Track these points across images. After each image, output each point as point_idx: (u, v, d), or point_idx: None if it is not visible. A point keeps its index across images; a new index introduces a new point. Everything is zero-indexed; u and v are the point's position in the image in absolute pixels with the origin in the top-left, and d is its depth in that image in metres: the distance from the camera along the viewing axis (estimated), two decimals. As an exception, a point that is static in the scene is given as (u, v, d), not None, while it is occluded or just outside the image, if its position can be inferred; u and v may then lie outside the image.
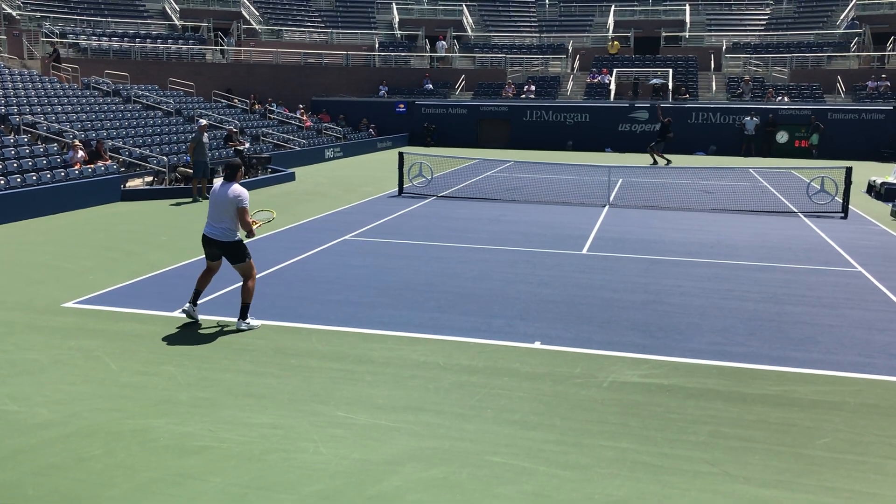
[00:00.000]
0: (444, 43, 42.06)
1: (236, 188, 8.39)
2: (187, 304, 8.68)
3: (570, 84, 40.05)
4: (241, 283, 8.59)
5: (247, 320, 8.52)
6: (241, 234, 8.49)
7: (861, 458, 5.70)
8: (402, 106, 38.67)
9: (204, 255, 8.74)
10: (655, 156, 29.59)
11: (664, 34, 42.94)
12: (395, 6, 46.91)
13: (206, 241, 8.53)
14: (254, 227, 8.48)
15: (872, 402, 6.74)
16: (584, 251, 13.07)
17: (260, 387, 6.88)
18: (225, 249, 8.44)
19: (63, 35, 35.46)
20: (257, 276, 9.05)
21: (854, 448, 5.85)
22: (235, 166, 8.57)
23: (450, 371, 7.33)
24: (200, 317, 8.77)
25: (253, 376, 7.13)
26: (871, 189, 21.74)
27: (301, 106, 36.79)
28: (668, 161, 29.18)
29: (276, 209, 17.24)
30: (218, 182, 8.65)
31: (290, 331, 8.48)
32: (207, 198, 18.66)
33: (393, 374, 7.23)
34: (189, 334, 8.31)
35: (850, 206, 17.79)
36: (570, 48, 42.61)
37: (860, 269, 12.05)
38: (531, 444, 5.84)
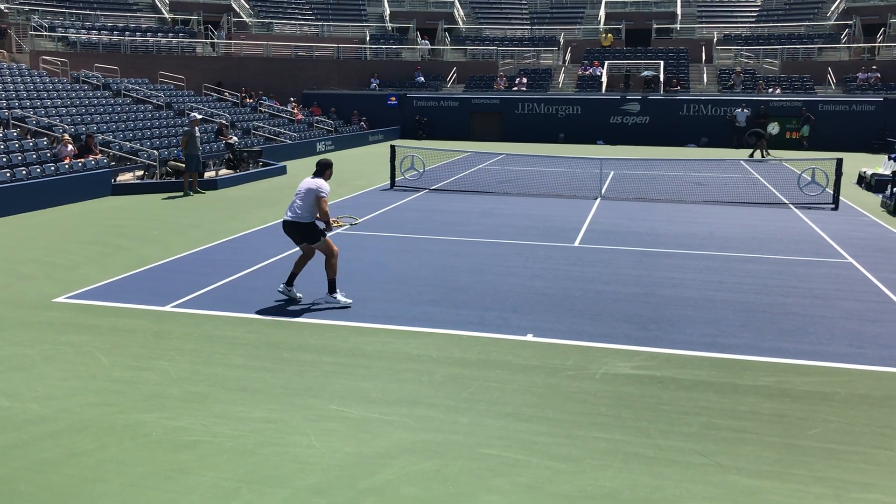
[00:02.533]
0: (426, 42, 41.74)
1: (320, 181, 9.00)
2: (282, 286, 9.22)
3: (562, 76, 40.04)
4: (325, 261, 9.07)
5: (335, 294, 9.05)
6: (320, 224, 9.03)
7: (852, 448, 5.73)
8: (393, 99, 38.59)
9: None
10: (762, 151, 29.37)
11: (655, 26, 42.95)
12: (385, -1, 46.82)
13: (285, 226, 9.07)
14: (335, 224, 9.15)
15: (863, 392, 6.78)
16: (577, 244, 13.08)
17: (252, 381, 6.87)
18: (299, 230, 8.93)
19: (52, 28, 35.24)
20: (251, 270, 9.03)
21: (845, 438, 5.88)
22: (325, 165, 9.20)
23: (443, 364, 7.34)
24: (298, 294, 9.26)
25: (245, 370, 7.12)
26: (862, 180, 21.83)
27: (292, 99, 36.68)
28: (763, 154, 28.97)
29: (267, 203, 17.21)
30: (307, 178, 9.19)
31: (282, 325, 8.46)
32: (199, 192, 18.71)
33: (386, 368, 7.23)
34: (181, 329, 8.29)
35: (840, 198, 17.85)
36: (562, 40, 42.58)
37: (851, 260, 12.10)
38: (524, 436, 5.85)
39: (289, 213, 8.96)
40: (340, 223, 9.36)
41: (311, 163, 26.49)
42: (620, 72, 38.99)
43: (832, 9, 42.44)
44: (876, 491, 5.11)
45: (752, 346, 7.94)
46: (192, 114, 20.15)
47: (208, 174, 20.72)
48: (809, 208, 17.37)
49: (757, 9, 44.97)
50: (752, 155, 29.11)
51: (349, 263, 11.36)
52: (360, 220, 10.22)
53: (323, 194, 8.83)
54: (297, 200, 8.92)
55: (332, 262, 9.01)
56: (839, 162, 17.62)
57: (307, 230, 8.92)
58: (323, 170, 9.13)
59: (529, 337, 8.14)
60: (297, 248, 9.35)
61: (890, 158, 21.05)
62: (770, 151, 29.28)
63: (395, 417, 6.15)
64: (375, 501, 4.89)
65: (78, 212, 15.91)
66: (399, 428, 5.96)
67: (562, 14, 46.42)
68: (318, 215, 8.95)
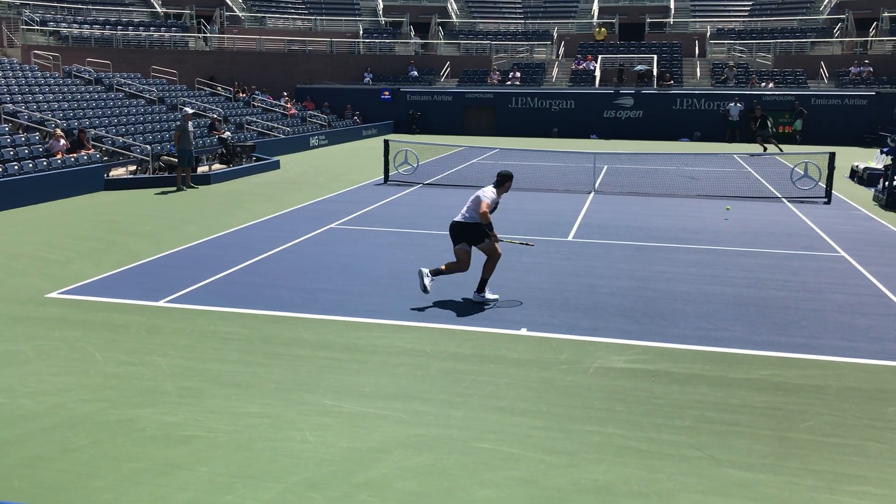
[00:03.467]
0: (417, 37, 41.27)
1: (489, 189, 9.29)
2: (475, 294, 9.30)
3: (556, 71, 40.02)
4: (486, 260, 9.26)
5: (483, 293, 9.26)
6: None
7: (844, 440, 5.76)
8: (387, 93, 38.52)
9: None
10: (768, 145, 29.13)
11: (649, 20, 42.95)
12: (379, -7, 46.70)
13: (452, 227, 9.34)
14: (509, 241, 9.92)
15: (855, 385, 6.81)
16: (570, 238, 13.10)
17: (246, 376, 6.87)
18: (465, 229, 9.18)
19: (44, 23, 35.06)
20: (245, 265, 8.98)
21: (837, 431, 5.92)
22: (505, 177, 9.48)
23: (437, 358, 7.35)
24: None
25: (239, 365, 7.12)
26: (854, 174, 21.89)
27: (285, 93, 36.58)
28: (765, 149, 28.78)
29: (260, 198, 17.18)
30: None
31: (276, 320, 8.46)
32: (192, 187, 18.66)
33: (380, 362, 7.23)
34: (174, 324, 8.28)
35: (833, 192, 17.90)
36: (555, 35, 42.55)
37: (843, 253, 12.15)
38: (518, 430, 5.86)
39: (459, 216, 9.34)
40: (514, 241, 10.01)
41: (304, 158, 26.61)
42: (614, 66, 38.98)
43: (825, 3, 42.51)
44: (868, 483, 5.14)
45: (745, 339, 7.97)
46: (185, 108, 20.07)
47: (201, 169, 20.67)
48: (802, 202, 17.42)
49: (750, 3, 45.00)
50: (766, 149, 28.87)
51: (343, 258, 11.36)
52: (533, 245, 11.10)
53: (485, 199, 9.07)
54: (468, 203, 9.30)
55: (492, 263, 9.26)
56: (832, 156, 17.67)
57: (473, 230, 9.17)
58: (502, 181, 9.44)
59: (523, 331, 8.16)
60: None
61: (882, 152, 21.12)
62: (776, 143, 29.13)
63: (389, 412, 6.15)
64: (370, 496, 4.90)
65: (70, 207, 15.85)
66: (393, 422, 5.97)
67: (555, 8, 46.38)
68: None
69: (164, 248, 12.02)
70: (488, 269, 9.25)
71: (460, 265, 9.28)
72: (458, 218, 9.27)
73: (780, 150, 27.94)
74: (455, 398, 6.44)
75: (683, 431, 5.87)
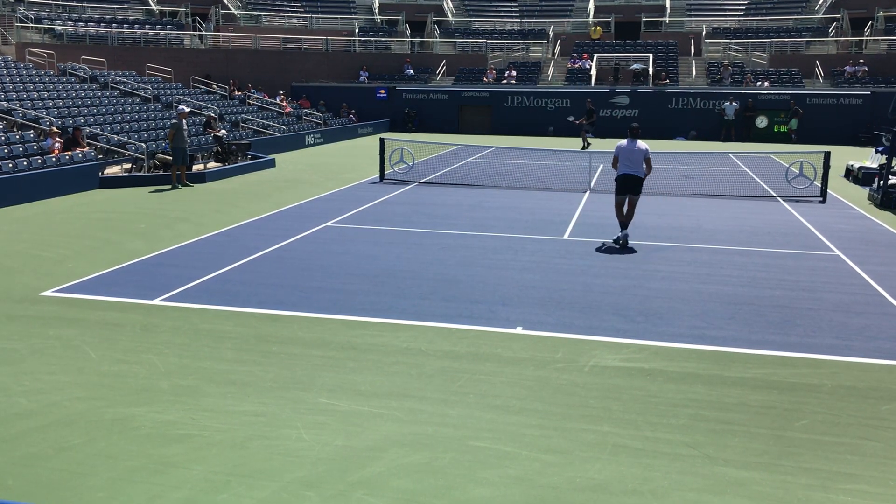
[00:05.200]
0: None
1: (642, 143, 12.35)
2: (620, 235, 12.34)
3: (551, 69, 40.04)
4: (634, 206, 12.47)
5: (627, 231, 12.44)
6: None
7: (839, 439, 5.77)
8: (382, 92, 38.50)
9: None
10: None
11: (644, 19, 42.98)
12: (375, -9, 46.65)
13: (626, 180, 12.26)
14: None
15: (849, 384, 6.83)
16: (566, 237, 13.11)
17: (242, 374, 6.86)
18: (638, 183, 12.31)
19: (38, 20, 34.96)
20: (240, 263, 8.98)
21: (832, 430, 5.93)
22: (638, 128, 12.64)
23: (432, 357, 7.35)
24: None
25: (235, 364, 7.11)
26: (850, 173, 21.94)
27: (281, 92, 36.53)
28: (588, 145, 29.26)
29: (256, 196, 17.16)
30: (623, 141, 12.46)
31: (271, 318, 8.45)
32: (188, 185, 18.63)
33: (375, 361, 7.23)
34: (169, 322, 8.27)
35: (828, 191, 17.95)
36: (551, 33, 42.56)
37: (838, 252, 12.18)
38: (513, 428, 5.87)
39: (630, 170, 12.18)
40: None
41: (300, 156, 26.58)
42: (609, 65, 39.01)
43: (820, 3, 42.59)
44: (862, 482, 5.16)
45: (740, 338, 7.99)
46: (180, 106, 20.03)
47: (197, 167, 20.63)
48: (797, 201, 17.46)
49: (745, 2, 45.05)
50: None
51: (338, 257, 11.35)
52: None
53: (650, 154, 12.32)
54: (634, 159, 12.14)
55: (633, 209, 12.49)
56: (827, 155, 17.70)
57: (641, 183, 12.33)
58: (636, 132, 12.50)
59: (519, 330, 8.16)
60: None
61: (877, 152, 21.17)
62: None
63: (384, 410, 6.15)
64: (365, 494, 4.90)
65: (65, 205, 15.81)
66: (389, 421, 5.97)
67: (551, 7, 46.39)
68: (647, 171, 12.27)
69: (158, 246, 12.00)
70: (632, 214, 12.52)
71: (632, 204, 12.46)
72: (634, 172, 12.18)
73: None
74: (450, 396, 6.44)
75: (678, 430, 5.88)
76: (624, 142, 12.46)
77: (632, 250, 12.05)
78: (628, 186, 12.24)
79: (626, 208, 12.38)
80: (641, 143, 12.35)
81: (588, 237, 13.04)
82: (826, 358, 7.46)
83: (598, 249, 12.07)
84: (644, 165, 12.26)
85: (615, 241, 12.35)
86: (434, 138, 32.74)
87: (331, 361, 7.20)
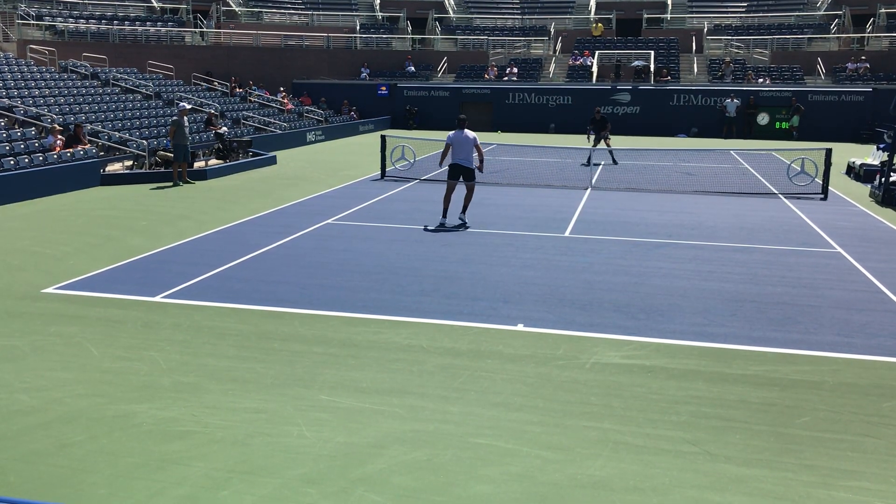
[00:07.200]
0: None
1: (471, 133, 13.43)
2: (460, 216, 13.52)
3: (553, 66, 40.00)
4: (470, 192, 13.64)
5: (464, 214, 13.59)
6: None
7: (840, 436, 5.77)
8: (384, 89, 38.47)
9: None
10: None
11: (646, 16, 42.94)
12: (376, -12, 46.62)
13: (456, 169, 13.45)
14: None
15: (851, 381, 6.83)
16: (567, 234, 13.10)
17: (243, 371, 6.87)
18: (471, 172, 13.49)
19: (39, 17, 34.96)
20: (241, 260, 8.98)
21: (833, 426, 5.93)
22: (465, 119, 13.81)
23: (433, 354, 7.35)
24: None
25: (236, 361, 7.11)
26: (851, 170, 21.92)
27: (282, 89, 36.51)
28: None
29: (257, 193, 17.16)
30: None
31: (272, 315, 8.45)
32: (189, 182, 18.63)
33: (377, 358, 7.23)
34: (171, 319, 8.27)
35: (829, 188, 17.93)
36: (553, 30, 42.52)
37: (839, 249, 12.17)
38: (515, 425, 5.87)
39: (462, 160, 13.31)
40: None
41: (301, 153, 26.58)
42: (611, 62, 38.97)
43: (822, -1, 42.55)
44: (863, 479, 5.16)
45: (741, 335, 7.98)
46: (181, 103, 20.03)
47: (198, 164, 20.64)
48: (799, 198, 17.44)
49: (747, -1, 45.03)
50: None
51: (340, 254, 11.35)
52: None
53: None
54: (466, 149, 13.27)
55: (470, 196, 13.61)
56: (828, 152, 17.68)
57: (472, 172, 13.45)
58: (464, 123, 13.50)
59: (520, 327, 8.16)
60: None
61: (878, 148, 21.16)
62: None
63: (385, 407, 6.16)
64: (366, 491, 4.90)
65: (66, 202, 15.82)
66: (390, 418, 5.97)
67: (552, 4, 46.34)
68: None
69: (160, 243, 12.01)
70: (468, 200, 13.61)
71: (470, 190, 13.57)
72: (465, 163, 13.28)
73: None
74: (452, 393, 6.44)
75: (679, 427, 5.88)
76: (453, 133, 13.42)
77: (632, 248, 12.04)
78: (460, 173, 13.44)
79: (465, 194, 13.60)
80: (469, 133, 13.31)
81: (589, 234, 13.03)
82: (827, 355, 7.46)
83: (596, 248, 12.05)
84: (475, 152, 13.32)
85: (440, 226, 13.31)
86: (435, 135, 32.70)
87: (332, 358, 7.20)
